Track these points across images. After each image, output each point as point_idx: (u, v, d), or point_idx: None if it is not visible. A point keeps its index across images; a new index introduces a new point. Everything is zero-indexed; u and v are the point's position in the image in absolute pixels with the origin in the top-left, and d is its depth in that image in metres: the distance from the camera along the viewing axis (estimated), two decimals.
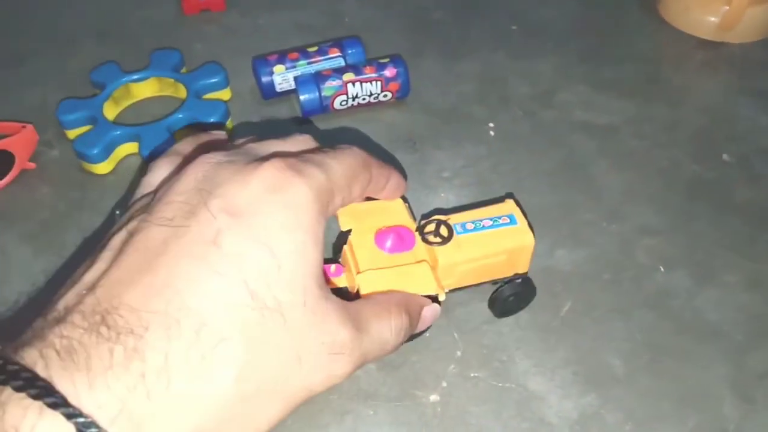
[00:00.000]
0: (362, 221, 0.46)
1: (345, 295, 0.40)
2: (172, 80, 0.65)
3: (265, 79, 0.65)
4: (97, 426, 0.25)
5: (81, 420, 0.25)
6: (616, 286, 0.51)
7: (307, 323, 0.32)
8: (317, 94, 0.63)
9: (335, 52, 0.67)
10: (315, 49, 0.67)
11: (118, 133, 0.59)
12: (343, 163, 0.37)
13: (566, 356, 0.46)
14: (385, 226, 0.45)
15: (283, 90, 0.66)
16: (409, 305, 0.41)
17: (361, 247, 0.45)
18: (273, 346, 0.31)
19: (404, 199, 0.48)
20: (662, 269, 0.52)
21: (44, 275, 0.51)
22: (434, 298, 0.43)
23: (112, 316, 0.28)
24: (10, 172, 0.59)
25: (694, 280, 0.51)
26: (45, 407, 0.25)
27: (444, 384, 0.45)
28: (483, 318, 0.48)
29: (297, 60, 0.66)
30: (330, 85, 0.63)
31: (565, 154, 0.62)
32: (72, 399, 0.25)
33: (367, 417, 0.43)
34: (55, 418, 0.25)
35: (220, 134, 0.45)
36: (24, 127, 0.60)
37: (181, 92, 0.65)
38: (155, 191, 0.36)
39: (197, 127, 0.58)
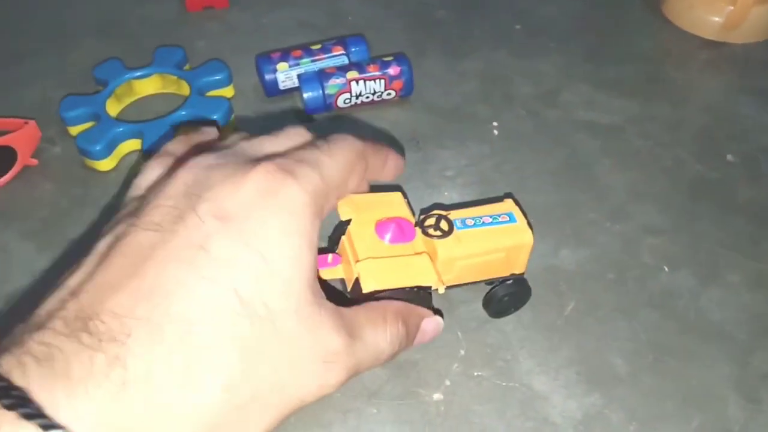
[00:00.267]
0: (362, 212, 0.46)
1: (338, 298, 0.40)
2: (175, 77, 0.65)
3: (268, 76, 0.65)
4: None
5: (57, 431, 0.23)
6: (619, 285, 0.51)
7: (300, 331, 0.31)
8: (321, 92, 0.62)
9: (339, 50, 0.67)
10: (318, 46, 0.67)
11: (121, 129, 0.59)
12: (338, 159, 0.36)
13: (570, 356, 0.46)
14: (386, 217, 0.45)
15: (286, 88, 0.66)
16: (407, 315, 0.40)
17: (360, 237, 0.44)
18: (264, 354, 0.30)
19: (403, 193, 0.48)
20: (666, 269, 0.52)
21: (46, 272, 0.51)
22: (436, 311, 0.43)
23: (95, 322, 0.27)
24: (13, 168, 0.58)
25: (697, 280, 0.51)
26: (20, 418, 0.23)
27: (447, 383, 0.45)
28: (486, 317, 0.48)
29: (300, 58, 0.65)
30: (333, 83, 0.63)
31: (569, 153, 0.62)
32: (49, 409, 0.24)
33: (370, 415, 0.43)
34: (31, 429, 0.23)
35: (212, 132, 0.42)
36: (26, 123, 0.60)
37: (184, 89, 0.65)
38: (144, 195, 0.35)
39: (195, 124, 0.58)
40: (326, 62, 0.66)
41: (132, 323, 0.27)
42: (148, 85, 0.66)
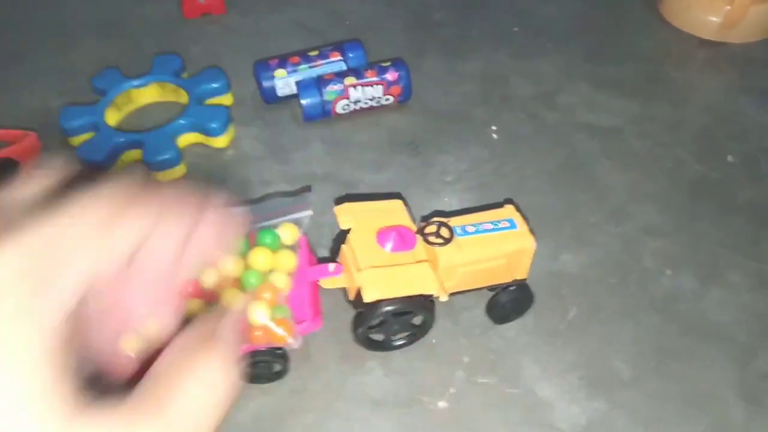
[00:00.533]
0: (362, 220, 0.46)
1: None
2: (174, 86, 0.65)
3: (266, 83, 0.65)
4: None
5: None
6: (621, 289, 0.51)
7: None
8: (319, 98, 0.62)
9: (336, 56, 0.67)
10: (316, 53, 0.67)
11: (122, 140, 0.59)
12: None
13: (573, 360, 0.46)
14: (386, 225, 0.46)
15: (284, 94, 0.66)
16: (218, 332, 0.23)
17: (361, 246, 0.45)
18: None
19: (403, 200, 0.48)
20: (668, 272, 0.52)
21: None
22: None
23: None
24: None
25: (698, 281, 0.52)
26: None
27: (452, 390, 0.45)
28: (489, 323, 0.48)
29: (298, 64, 0.65)
30: (332, 89, 0.63)
31: (568, 154, 0.62)
32: None
33: (374, 424, 0.43)
34: None
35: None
36: (26, 134, 0.60)
37: (183, 97, 0.65)
38: None
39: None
40: (324, 68, 0.66)
41: None
42: (147, 94, 0.66)
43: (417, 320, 0.45)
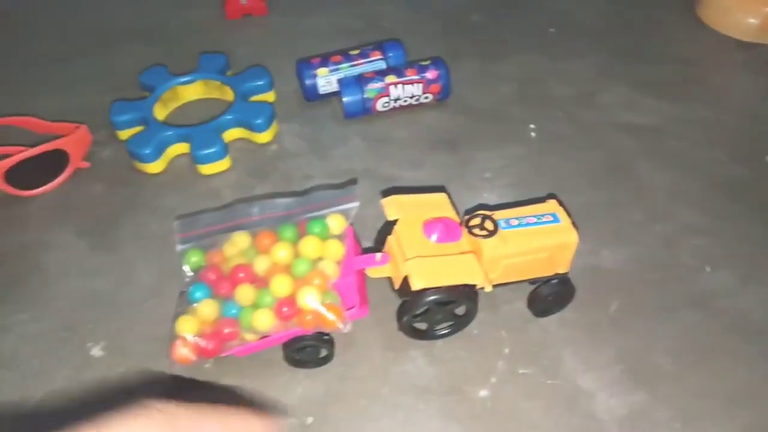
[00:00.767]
0: (408, 212, 0.47)
1: None
2: (219, 83, 0.67)
3: (308, 81, 0.66)
4: None
5: None
6: (661, 285, 0.51)
7: None
8: (360, 96, 0.64)
9: (377, 55, 0.68)
10: (357, 52, 0.68)
11: (170, 133, 0.60)
12: None
13: (614, 354, 0.47)
14: (432, 217, 0.47)
15: (325, 92, 0.67)
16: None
17: (408, 237, 0.46)
18: None
19: (447, 193, 0.49)
20: (708, 269, 0.52)
21: (98, 272, 0.53)
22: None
23: None
24: (65, 170, 0.61)
25: (738, 280, 0.52)
26: None
27: (493, 380, 0.46)
28: (530, 316, 0.49)
29: (340, 63, 0.67)
30: (372, 87, 0.64)
31: (607, 154, 0.62)
32: None
33: (418, 410, 0.44)
34: None
35: None
36: (77, 127, 0.62)
37: (227, 94, 0.66)
38: None
39: None
40: (365, 67, 0.67)
41: None
42: (192, 91, 0.68)
43: (460, 310, 0.46)
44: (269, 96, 0.67)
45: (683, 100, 0.68)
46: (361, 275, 0.48)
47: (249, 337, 0.44)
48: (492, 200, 0.58)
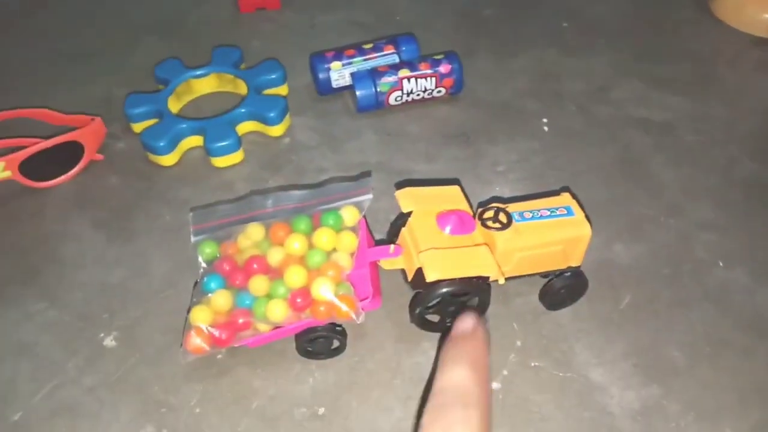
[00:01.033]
0: (422, 204, 0.47)
1: None
2: (232, 76, 0.67)
3: (322, 75, 0.66)
4: None
5: None
6: (675, 280, 0.51)
7: None
8: (373, 89, 0.64)
9: (390, 49, 0.68)
10: (370, 45, 0.68)
11: (184, 126, 0.61)
12: None
13: (627, 348, 0.47)
14: (446, 209, 0.47)
15: (338, 86, 0.67)
16: None
17: (421, 229, 0.46)
18: None
19: (460, 186, 0.49)
20: (721, 264, 0.52)
21: (116, 263, 0.53)
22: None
23: None
24: (80, 162, 0.61)
25: (753, 276, 0.51)
26: None
27: (505, 372, 0.46)
28: (542, 309, 0.49)
29: (353, 56, 0.67)
30: (386, 81, 0.64)
31: (620, 149, 0.62)
32: None
33: None
34: None
35: None
36: (92, 119, 0.63)
37: (240, 88, 0.67)
38: None
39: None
40: (378, 61, 0.68)
41: None
42: (206, 84, 0.68)
43: (472, 303, 0.46)
44: (282, 89, 0.67)
45: (698, 95, 0.67)
46: (374, 267, 0.48)
47: (262, 327, 0.44)
48: (505, 194, 0.58)
